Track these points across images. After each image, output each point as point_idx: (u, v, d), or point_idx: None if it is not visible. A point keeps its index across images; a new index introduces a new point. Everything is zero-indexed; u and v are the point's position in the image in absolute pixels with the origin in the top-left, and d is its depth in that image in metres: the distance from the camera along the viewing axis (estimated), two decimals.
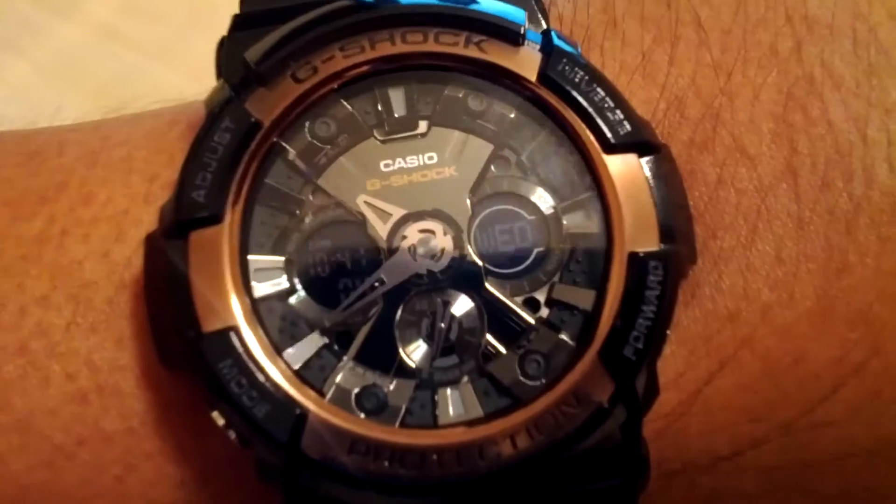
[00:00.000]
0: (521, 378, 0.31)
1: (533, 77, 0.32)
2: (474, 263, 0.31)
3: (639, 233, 0.31)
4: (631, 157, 0.31)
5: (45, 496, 0.32)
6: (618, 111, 0.32)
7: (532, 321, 0.31)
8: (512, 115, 0.33)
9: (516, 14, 0.33)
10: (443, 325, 0.31)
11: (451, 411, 0.30)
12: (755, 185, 0.33)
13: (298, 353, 0.31)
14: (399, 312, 0.31)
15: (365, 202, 0.32)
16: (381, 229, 0.32)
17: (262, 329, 0.30)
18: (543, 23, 0.34)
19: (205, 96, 0.33)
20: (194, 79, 0.36)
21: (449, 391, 0.31)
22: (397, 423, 0.30)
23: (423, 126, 0.33)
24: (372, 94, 0.33)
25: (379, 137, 0.32)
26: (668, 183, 0.31)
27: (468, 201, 0.32)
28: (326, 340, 0.31)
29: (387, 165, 0.32)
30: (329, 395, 0.30)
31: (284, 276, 0.31)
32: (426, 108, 0.33)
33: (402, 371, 0.31)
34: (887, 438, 0.34)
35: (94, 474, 0.32)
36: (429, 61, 0.33)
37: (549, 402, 0.30)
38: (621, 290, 0.30)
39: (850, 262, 0.32)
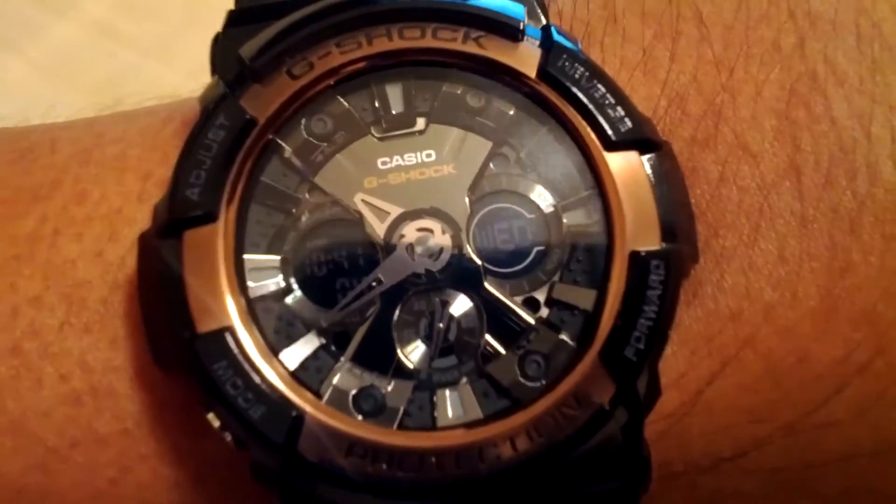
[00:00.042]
0: (521, 379, 0.30)
1: (532, 73, 0.32)
2: (473, 262, 0.31)
3: (640, 231, 0.30)
4: (632, 155, 0.31)
5: (39, 499, 0.32)
6: (618, 108, 0.31)
7: (532, 321, 0.31)
8: (511, 112, 0.32)
9: (515, 9, 0.33)
10: (441, 325, 0.31)
11: (449, 413, 0.30)
12: (758, 183, 0.33)
13: (295, 354, 0.30)
14: (397, 312, 0.31)
15: (362, 200, 0.31)
16: (378, 228, 0.31)
17: (257, 329, 0.30)
18: (543, 18, 0.34)
19: (200, 93, 0.33)
20: (190, 76, 0.36)
21: (448, 392, 0.30)
22: (395, 425, 0.30)
23: (421, 123, 0.32)
24: (369, 91, 0.32)
25: (376, 135, 0.32)
26: (670, 181, 0.31)
27: (467, 199, 0.32)
28: (323, 341, 0.30)
29: (384, 163, 0.32)
30: (326, 397, 0.30)
31: (280, 276, 0.31)
32: (424, 105, 0.32)
33: (401, 372, 0.30)
34: (891, 439, 0.34)
35: (88, 477, 0.32)
36: (427, 57, 0.32)
37: (550, 403, 0.29)
38: (622, 290, 0.30)
39: (854, 261, 0.32)
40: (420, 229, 0.31)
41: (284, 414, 0.29)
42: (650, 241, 0.30)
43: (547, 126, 0.32)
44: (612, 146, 0.31)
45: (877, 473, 0.35)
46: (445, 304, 0.31)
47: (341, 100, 0.32)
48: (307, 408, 0.29)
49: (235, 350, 0.29)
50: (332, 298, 0.31)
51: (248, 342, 0.29)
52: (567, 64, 0.32)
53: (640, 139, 0.31)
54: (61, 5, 0.66)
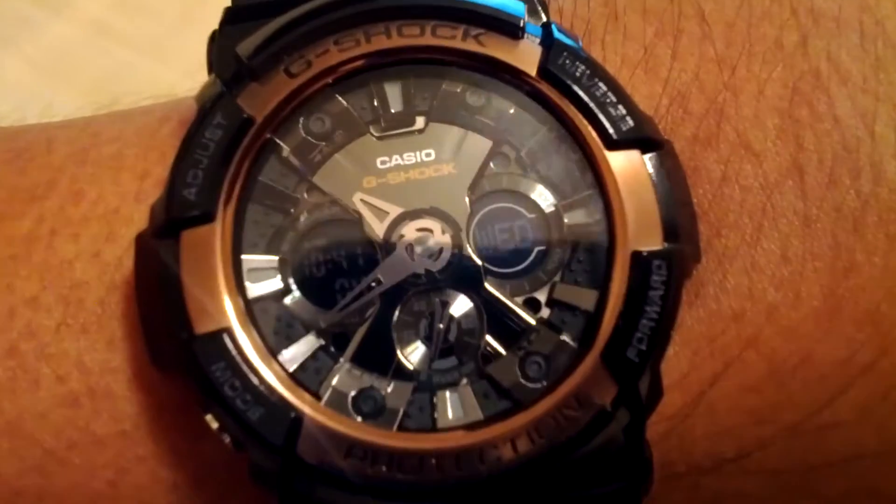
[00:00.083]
0: (522, 380, 0.30)
1: (533, 71, 0.32)
2: (473, 263, 0.31)
3: (642, 231, 0.30)
4: (633, 154, 0.31)
5: (37, 501, 0.32)
6: (620, 106, 0.31)
7: (532, 322, 0.30)
8: (511, 111, 0.32)
9: (515, 6, 0.32)
10: (441, 325, 0.30)
11: (450, 414, 0.30)
12: (760, 183, 0.32)
13: (293, 355, 0.30)
14: (397, 313, 0.30)
15: (361, 200, 0.31)
16: (377, 228, 0.31)
17: (255, 331, 0.30)
18: (543, 15, 0.33)
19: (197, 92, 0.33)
20: (187, 75, 0.36)
21: (448, 393, 0.30)
22: (395, 427, 0.30)
23: (420, 122, 0.32)
24: (368, 89, 0.32)
25: (375, 133, 0.32)
26: (672, 180, 0.31)
27: (467, 199, 0.31)
28: (322, 342, 0.30)
29: (383, 162, 0.31)
30: (325, 398, 0.30)
31: (279, 277, 0.31)
32: (423, 104, 0.32)
33: (400, 373, 0.30)
34: (895, 440, 0.33)
35: (85, 479, 0.31)
36: (426, 55, 0.32)
37: (551, 404, 0.29)
38: (624, 290, 0.30)
39: (858, 261, 0.32)
40: (420, 229, 0.31)
41: (283, 416, 0.29)
42: (652, 241, 0.30)
43: (547, 125, 0.32)
44: (613, 145, 0.31)
45: (880, 474, 0.35)
46: (445, 304, 0.31)
47: (340, 98, 0.32)
48: (306, 409, 0.29)
49: (233, 351, 0.29)
50: (331, 299, 0.30)
51: (247, 343, 0.29)
52: (568, 62, 0.32)
53: (642, 138, 0.31)
54: (58, 3, 0.66)
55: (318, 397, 0.30)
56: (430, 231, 0.31)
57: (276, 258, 0.31)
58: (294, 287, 0.31)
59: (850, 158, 0.32)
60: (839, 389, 0.32)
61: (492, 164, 0.32)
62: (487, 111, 0.32)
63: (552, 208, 0.31)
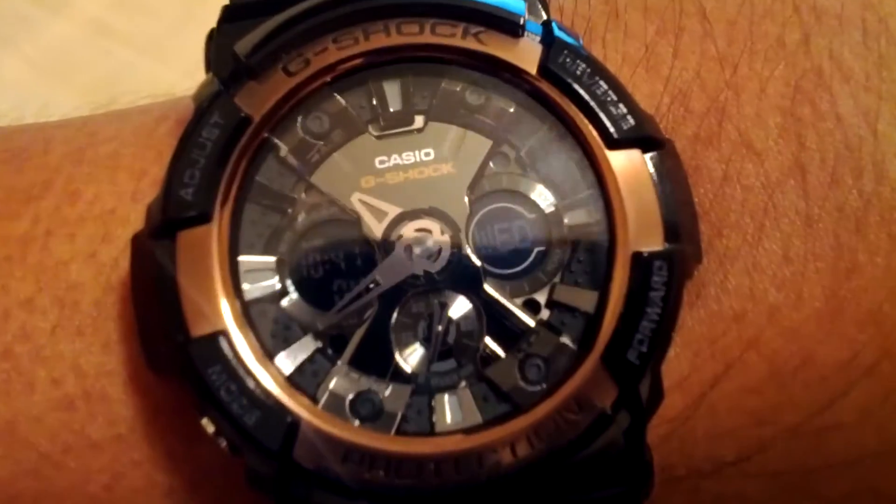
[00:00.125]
0: (521, 383, 0.30)
1: (533, 70, 0.31)
2: (472, 263, 0.31)
3: (642, 231, 0.30)
4: (634, 153, 0.31)
5: None
6: (621, 105, 0.31)
7: (532, 324, 0.30)
8: (511, 110, 0.32)
9: (516, 4, 0.32)
10: (440, 327, 0.30)
11: (448, 418, 0.30)
12: (762, 182, 0.32)
13: (291, 358, 0.30)
14: (395, 315, 0.30)
15: (359, 200, 0.31)
16: (376, 228, 0.31)
17: (252, 333, 0.29)
18: (544, 13, 0.33)
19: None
20: (186, 74, 0.35)
21: (446, 397, 0.30)
22: (393, 431, 0.29)
23: (419, 121, 0.32)
24: (366, 88, 0.32)
25: (374, 133, 0.32)
26: (673, 179, 0.30)
27: (466, 199, 0.31)
28: (320, 344, 0.30)
29: (382, 162, 0.31)
30: (322, 402, 0.29)
31: (276, 278, 0.30)
32: (422, 103, 0.32)
33: (398, 376, 0.30)
34: None
35: (81, 483, 0.31)
36: (425, 53, 0.32)
37: (550, 408, 0.29)
38: (624, 292, 0.29)
39: (860, 262, 0.32)
40: (418, 230, 0.31)
41: (279, 420, 0.28)
42: (653, 242, 0.30)
43: (548, 124, 0.32)
44: (614, 144, 0.31)
45: (881, 476, 0.35)
46: (444, 306, 0.30)
47: (338, 97, 0.32)
48: (303, 413, 0.29)
49: (230, 354, 0.29)
50: (328, 300, 0.30)
51: (243, 346, 0.29)
52: (568, 60, 0.31)
53: (643, 137, 0.31)
54: (57, 2, 0.66)
55: (315, 401, 0.29)
56: (429, 231, 0.31)
57: (273, 259, 0.31)
58: (291, 288, 0.30)
59: (852, 157, 0.32)
60: (840, 391, 0.32)
61: (491, 164, 0.31)
62: (487, 110, 0.32)
63: (552, 208, 0.31)
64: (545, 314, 0.30)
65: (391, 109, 0.32)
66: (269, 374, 0.29)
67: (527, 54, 0.32)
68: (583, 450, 0.29)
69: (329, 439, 0.28)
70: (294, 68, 0.31)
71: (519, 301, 0.30)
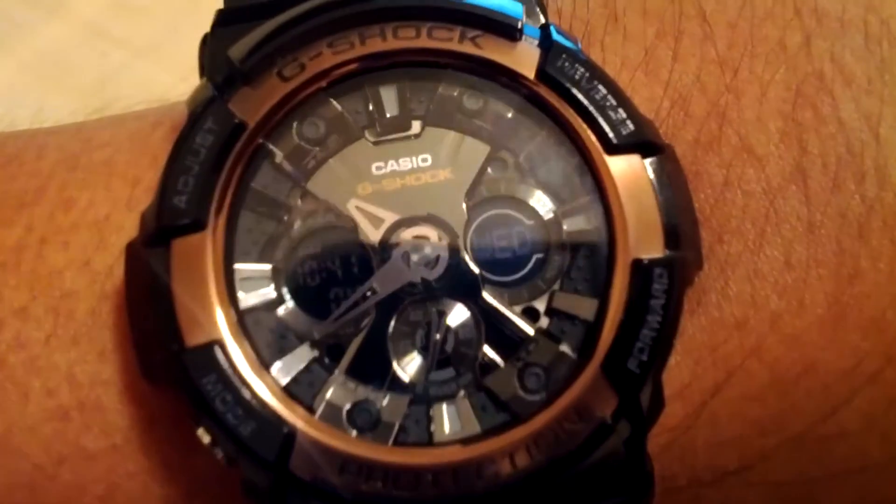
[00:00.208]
0: (520, 392, 0.29)
1: (531, 74, 0.31)
2: (471, 271, 0.30)
3: (643, 238, 0.30)
4: (634, 158, 0.30)
5: None
6: (620, 110, 0.31)
7: (531, 332, 0.30)
8: (509, 115, 0.32)
9: (513, 8, 0.32)
10: (438, 336, 0.30)
11: (447, 428, 0.29)
12: (763, 187, 0.32)
13: (287, 368, 0.29)
14: (392, 323, 0.30)
15: (356, 207, 0.31)
16: (372, 235, 0.30)
17: (248, 342, 0.29)
18: (542, 17, 0.33)
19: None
20: (182, 78, 0.35)
21: (445, 406, 0.29)
22: (391, 441, 0.29)
23: (416, 126, 0.31)
24: (362, 93, 0.32)
25: (370, 139, 0.31)
26: (673, 185, 0.30)
27: (464, 205, 0.31)
28: (316, 353, 0.30)
29: (379, 168, 0.31)
30: (319, 412, 0.29)
31: (272, 286, 0.30)
32: (419, 108, 0.31)
33: (396, 385, 0.30)
34: None
35: (76, 494, 0.31)
36: (422, 58, 0.32)
37: (550, 417, 0.28)
38: (624, 299, 0.29)
39: (863, 268, 0.31)
40: (416, 237, 0.30)
41: (276, 430, 0.28)
42: (653, 249, 0.29)
43: (546, 129, 0.31)
44: (613, 149, 0.30)
45: (886, 484, 0.34)
46: (442, 314, 0.30)
47: (334, 102, 0.31)
48: (299, 424, 0.28)
49: (225, 364, 0.28)
50: (325, 309, 0.30)
51: (239, 356, 0.29)
52: (567, 64, 0.31)
53: (643, 142, 0.30)
54: (51, 5, 0.65)
55: (311, 411, 0.29)
56: (427, 238, 0.30)
57: (268, 267, 0.30)
58: (287, 297, 0.30)
59: (854, 162, 0.32)
60: (843, 399, 0.32)
61: (489, 170, 0.31)
62: (485, 115, 0.31)
63: (551, 214, 0.31)
64: (544, 322, 0.30)
65: (388, 115, 0.31)
66: (265, 383, 0.29)
67: (525, 58, 0.31)
68: (583, 460, 0.28)
69: (326, 450, 0.28)
70: (289, 73, 0.31)
71: (518, 309, 0.30)
